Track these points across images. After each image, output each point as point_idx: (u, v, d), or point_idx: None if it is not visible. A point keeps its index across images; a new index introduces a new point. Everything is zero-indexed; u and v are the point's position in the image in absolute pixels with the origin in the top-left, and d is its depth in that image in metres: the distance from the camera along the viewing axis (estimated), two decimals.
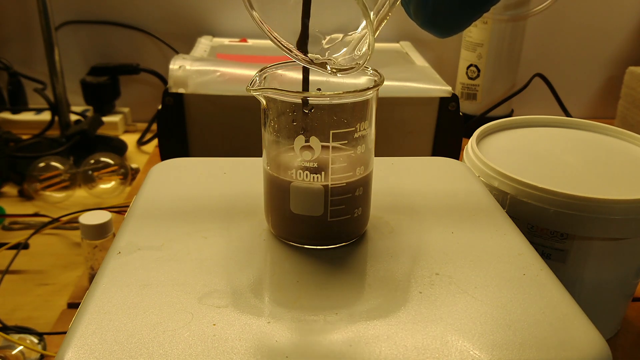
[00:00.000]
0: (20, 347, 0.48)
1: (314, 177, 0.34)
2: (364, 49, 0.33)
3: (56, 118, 0.89)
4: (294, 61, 0.34)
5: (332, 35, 0.34)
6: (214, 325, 0.29)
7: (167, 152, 0.70)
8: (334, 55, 0.34)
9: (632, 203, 0.43)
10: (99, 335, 0.28)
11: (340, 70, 0.33)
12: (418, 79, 0.72)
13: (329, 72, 0.33)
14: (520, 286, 0.33)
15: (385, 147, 0.70)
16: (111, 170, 0.77)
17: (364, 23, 0.33)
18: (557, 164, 0.51)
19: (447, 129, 0.71)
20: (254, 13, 0.32)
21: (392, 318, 0.30)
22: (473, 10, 0.30)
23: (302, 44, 0.34)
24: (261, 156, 0.37)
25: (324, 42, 0.34)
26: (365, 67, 0.36)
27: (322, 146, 0.33)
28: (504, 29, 0.94)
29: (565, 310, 0.31)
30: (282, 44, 0.33)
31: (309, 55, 0.34)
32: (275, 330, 0.29)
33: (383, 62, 0.86)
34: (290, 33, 0.33)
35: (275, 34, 0.33)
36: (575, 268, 0.46)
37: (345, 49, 0.34)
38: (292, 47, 0.33)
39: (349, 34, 0.34)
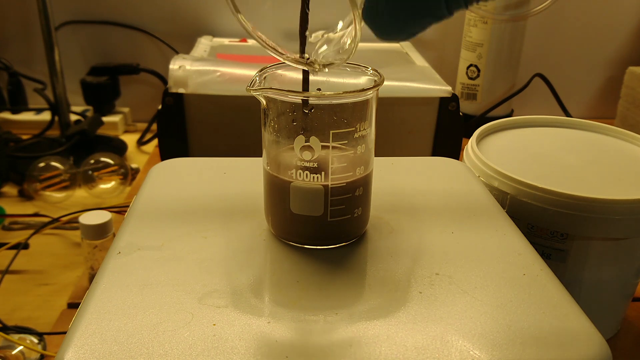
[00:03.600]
0: (20, 347, 0.48)
1: (314, 177, 0.34)
2: (348, 43, 0.33)
3: (56, 118, 0.89)
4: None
5: (316, 33, 0.34)
6: (214, 325, 0.29)
7: (167, 152, 0.70)
8: (319, 52, 0.34)
9: (632, 203, 0.43)
10: (99, 335, 0.28)
11: (324, 65, 0.34)
12: (418, 79, 0.72)
13: (315, 70, 0.34)
14: (520, 286, 0.33)
15: (385, 147, 0.70)
16: (111, 170, 0.77)
17: (341, 23, 0.34)
18: (557, 164, 0.51)
19: (447, 129, 0.71)
20: (239, 15, 0.33)
21: (392, 318, 0.30)
22: (418, 22, 0.31)
23: (301, 46, 0.34)
24: (261, 156, 0.37)
25: (310, 40, 0.34)
26: (365, 67, 0.36)
27: (322, 146, 0.33)
28: (504, 29, 0.94)
29: (565, 310, 0.31)
30: (267, 44, 0.34)
31: (294, 55, 0.34)
32: (275, 330, 0.29)
33: (383, 62, 0.86)
34: (276, 32, 0.34)
35: (259, 33, 0.34)
36: (575, 268, 0.46)
37: (326, 47, 0.34)
38: (277, 45, 0.34)
39: (332, 31, 0.34)
